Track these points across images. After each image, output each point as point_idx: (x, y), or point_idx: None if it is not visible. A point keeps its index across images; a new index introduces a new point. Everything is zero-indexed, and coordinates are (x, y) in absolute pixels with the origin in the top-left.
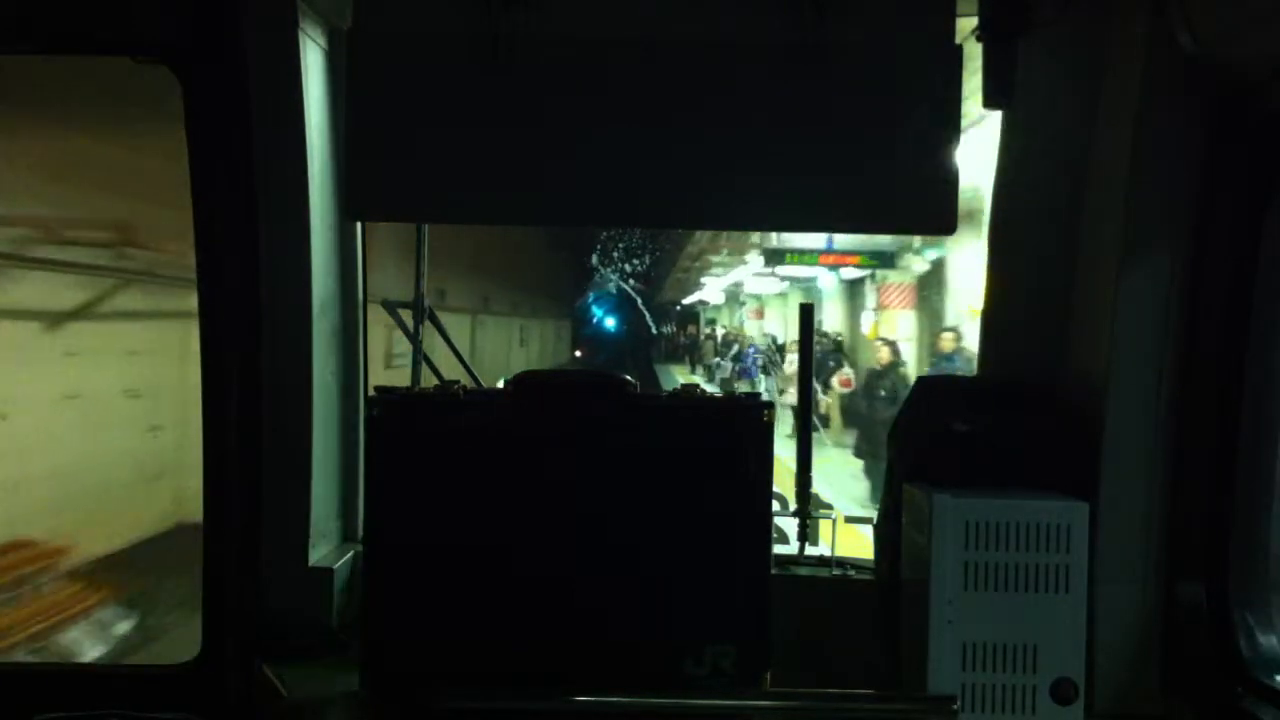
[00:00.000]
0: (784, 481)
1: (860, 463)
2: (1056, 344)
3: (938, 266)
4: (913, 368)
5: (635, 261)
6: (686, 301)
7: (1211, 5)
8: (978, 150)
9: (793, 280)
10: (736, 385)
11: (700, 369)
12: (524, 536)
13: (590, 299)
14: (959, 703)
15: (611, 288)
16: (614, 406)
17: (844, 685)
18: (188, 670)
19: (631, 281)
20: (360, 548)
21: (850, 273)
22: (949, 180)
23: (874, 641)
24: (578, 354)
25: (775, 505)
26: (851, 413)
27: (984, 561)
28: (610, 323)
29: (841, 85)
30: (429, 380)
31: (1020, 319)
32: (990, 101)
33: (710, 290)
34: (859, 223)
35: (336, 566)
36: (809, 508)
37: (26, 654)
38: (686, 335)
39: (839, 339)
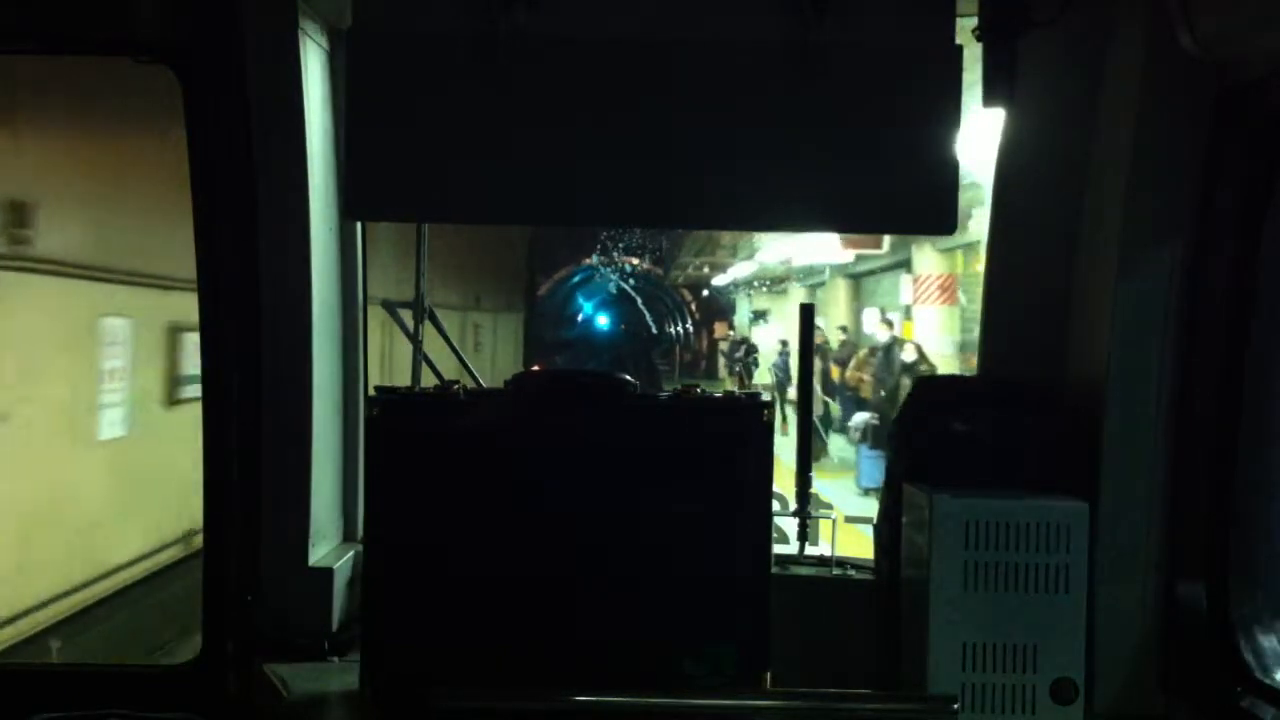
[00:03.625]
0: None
1: None
2: (1056, 344)
3: None
4: None
5: (635, 262)
6: (720, 282)
7: (1211, 5)
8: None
9: None
10: None
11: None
12: (524, 536)
13: (571, 282)
14: (959, 703)
15: (612, 288)
16: (614, 406)
17: (844, 685)
18: (188, 670)
19: (631, 281)
20: (360, 548)
21: None
22: (949, 180)
23: (874, 641)
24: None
25: (775, 505)
26: None
27: (984, 561)
28: (603, 321)
29: (841, 85)
30: (429, 380)
31: (1020, 319)
32: (990, 101)
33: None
34: (859, 223)
35: (336, 566)
36: (809, 508)
37: None
38: (715, 338)
39: None
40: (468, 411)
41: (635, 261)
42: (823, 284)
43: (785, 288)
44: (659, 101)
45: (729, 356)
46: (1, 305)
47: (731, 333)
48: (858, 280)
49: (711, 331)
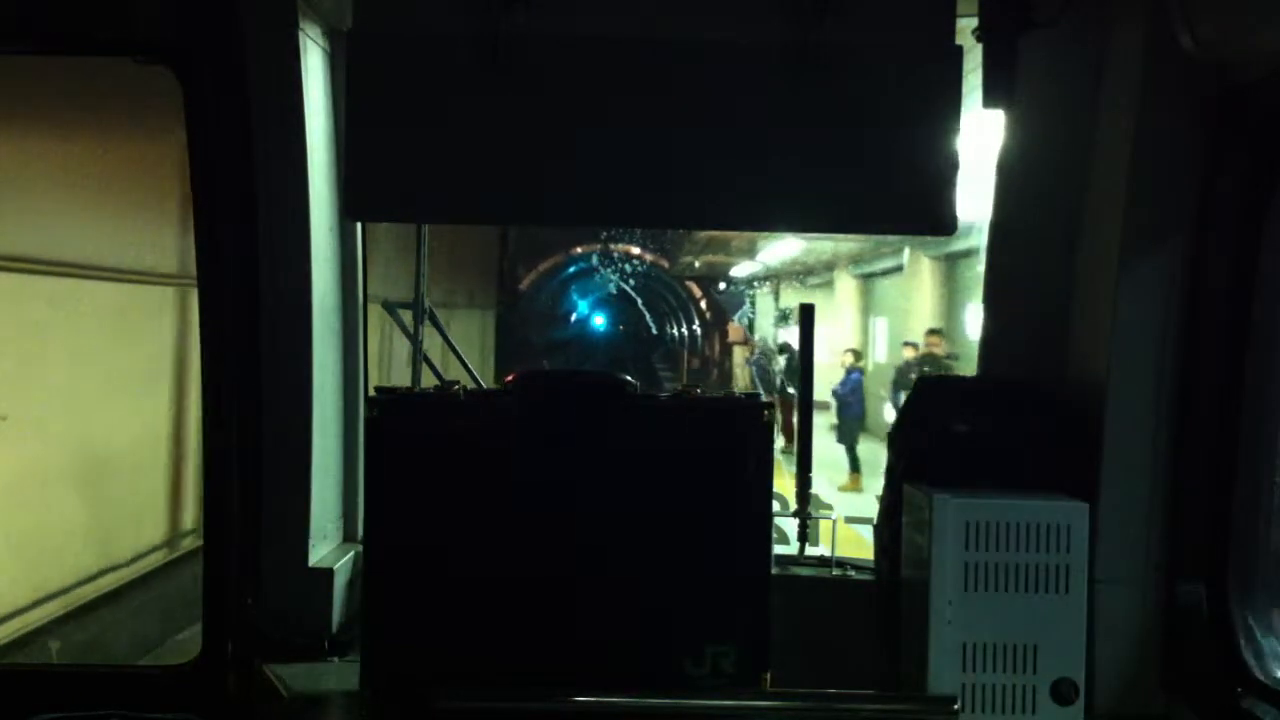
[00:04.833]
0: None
1: None
2: (1056, 344)
3: None
4: None
5: (635, 252)
6: (741, 272)
7: (1211, 5)
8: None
9: None
10: None
11: None
12: (524, 536)
13: (561, 276)
14: (959, 703)
15: (611, 288)
16: (614, 407)
17: (844, 685)
18: (188, 670)
19: (631, 281)
20: (360, 548)
21: None
22: (949, 180)
23: (874, 641)
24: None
25: (775, 505)
26: None
27: (984, 561)
28: (599, 321)
29: (841, 85)
30: (429, 380)
31: (1020, 319)
32: (990, 101)
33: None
34: (859, 223)
35: (336, 567)
36: (809, 508)
37: None
38: (729, 341)
39: None
40: (468, 412)
41: (636, 251)
42: (897, 270)
43: (830, 278)
44: (659, 101)
45: (758, 368)
46: None
47: (756, 339)
48: (953, 263)
49: (724, 334)
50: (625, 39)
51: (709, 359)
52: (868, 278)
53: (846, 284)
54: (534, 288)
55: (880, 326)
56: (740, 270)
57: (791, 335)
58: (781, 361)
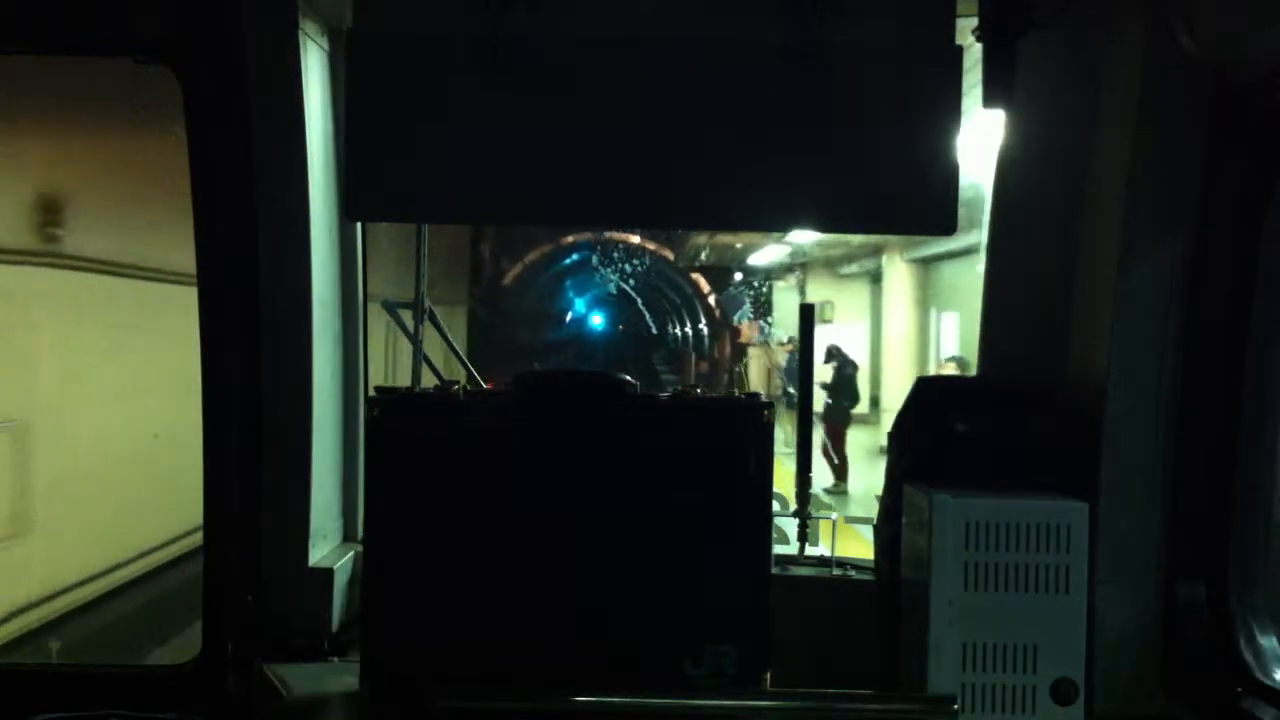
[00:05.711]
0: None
1: None
2: (1056, 344)
3: None
4: None
5: (635, 241)
6: (758, 260)
7: (1211, 5)
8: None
9: None
10: None
11: None
12: (524, 537)
13: (553, 268)
14: (959, 703)
15: (611, 288)
16: (614, 406)
17: (844, 685)
18: (188, 670)
19: (632, 282)
20: (360, 548)
21: None
22: (949, 180)
23: (874, 641)
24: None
25: (775, 505)
26: None
27: (984, 561)
28: (597, 321)
29: (841, 85)
30: (429, 380)
31: (1020, 319)
32: (990, 101)
33: None
34: (859, 223)
35: (336, 566)
36: (809, 508)
37: None
38: (740, 341)
39: None
40: (468, 411)
41: (635, 240)
42: (967, 253)
43: (877, 265)
44: (659, 102)
45: (787, 376)
46: None
47: (787, 341)
48: None
49: (736, 334)
50: (625, 39)
51: (718, 362)
52: (928, 262)
53: (899, 270)
54: (518, 283)
55: (947, 324)
56: (760, 257)
57: (832, 337)
58: (828, 372)
